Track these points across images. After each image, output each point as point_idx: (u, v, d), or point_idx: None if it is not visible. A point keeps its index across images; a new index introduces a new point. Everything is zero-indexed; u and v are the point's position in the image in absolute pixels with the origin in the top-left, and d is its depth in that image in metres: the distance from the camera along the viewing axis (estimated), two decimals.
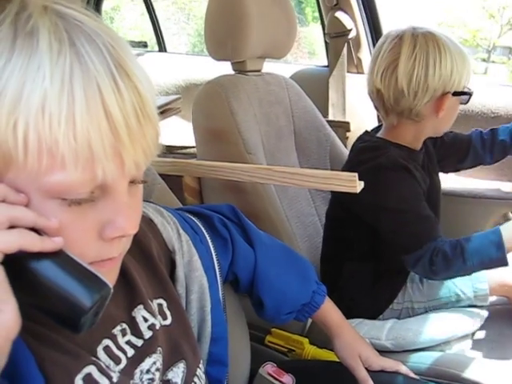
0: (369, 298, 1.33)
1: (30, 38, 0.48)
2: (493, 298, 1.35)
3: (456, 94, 1.22)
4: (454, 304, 1.32)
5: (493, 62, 12.50)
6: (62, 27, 0.49)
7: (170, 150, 2.18)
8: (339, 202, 1.35)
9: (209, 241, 0.87)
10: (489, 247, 1.13)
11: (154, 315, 0.70)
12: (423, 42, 1.18)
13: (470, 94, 1.24)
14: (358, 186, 1.05)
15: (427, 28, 1.22)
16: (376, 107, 1.32)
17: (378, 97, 1.27)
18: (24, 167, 0.48)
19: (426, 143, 1.36)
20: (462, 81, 1.22)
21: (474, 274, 1.26)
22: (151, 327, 0.69)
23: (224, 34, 1.40)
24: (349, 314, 1.04)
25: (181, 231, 0.82)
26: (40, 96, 0.46)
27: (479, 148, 1.45)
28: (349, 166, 1.32)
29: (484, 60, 12.43)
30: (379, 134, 1.36)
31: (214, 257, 0.86)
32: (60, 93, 0.47)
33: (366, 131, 1.39)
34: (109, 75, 0.49)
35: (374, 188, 1.14)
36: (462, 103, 1.26)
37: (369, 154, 1.25)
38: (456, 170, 1.55)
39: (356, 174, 1.05)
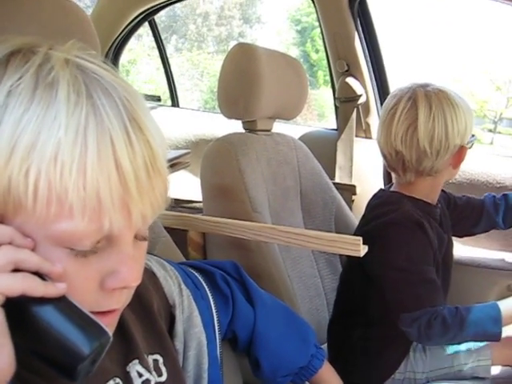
0: (372, 366, 1.30)
1: (49, 88, 0.49)
2: (496, 371, 1.31)
3: (468, 143, 1.25)
4: (457, 374, 1.29)
5: (499, 132, 12.62)
6: (81, 80, 0.50)
7: (176, 203, 2.19)
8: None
9: (210, 297, 0.86)
10: (486, 321, 1.16)
11: (149, 371, 0.69)
12: (437, 101, 1.21)
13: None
14: (362, 250, 1.05)
15: (435, 85, 1.25)
16: (391, 167, 1.31)
17: (397, 158, 1.26)
18: (32, 213, 0.49)
19: (440, 202, 1.36)
20: (472, 131, 1.26)
21: (478, 347, 1.25)
22: (145, 383, 0.67)
23: (237, 93, 1.43)
24: (350, 380, 1.02)
25: (182, 286, 0.81)
26: (54, 144, 0.47)
27: (492, 212, 1.45)
28: (362, 223, 1.33)
29: (490, 131, 12.55)
30: (393, 189, 1.36)
31: (215, 313, 0.85)
32: (73, 143, 0.47)
33: (381, 189, 1.40)
34: (122, 128, 0.50)
35: (383, 244, 1.16)
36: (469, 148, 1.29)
37: (381, 209, 1.26)
38: (470, 234, 1.53)
39: (360, 238, 1.05)
